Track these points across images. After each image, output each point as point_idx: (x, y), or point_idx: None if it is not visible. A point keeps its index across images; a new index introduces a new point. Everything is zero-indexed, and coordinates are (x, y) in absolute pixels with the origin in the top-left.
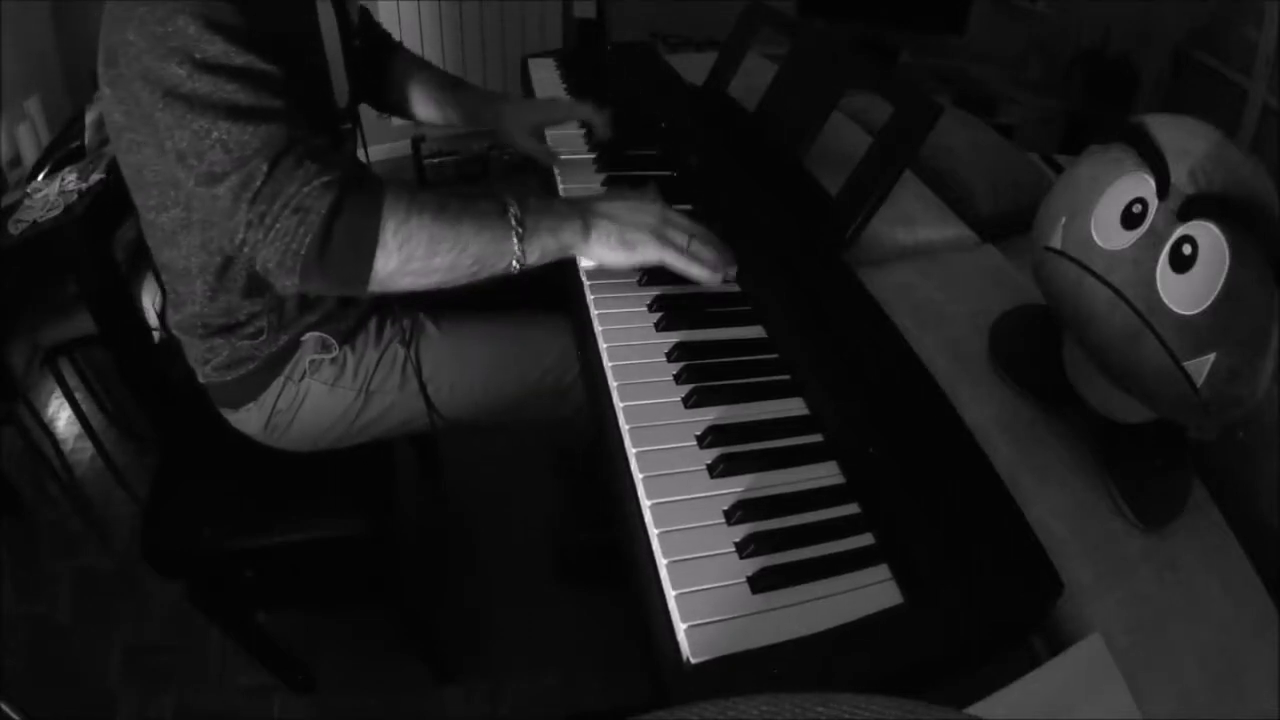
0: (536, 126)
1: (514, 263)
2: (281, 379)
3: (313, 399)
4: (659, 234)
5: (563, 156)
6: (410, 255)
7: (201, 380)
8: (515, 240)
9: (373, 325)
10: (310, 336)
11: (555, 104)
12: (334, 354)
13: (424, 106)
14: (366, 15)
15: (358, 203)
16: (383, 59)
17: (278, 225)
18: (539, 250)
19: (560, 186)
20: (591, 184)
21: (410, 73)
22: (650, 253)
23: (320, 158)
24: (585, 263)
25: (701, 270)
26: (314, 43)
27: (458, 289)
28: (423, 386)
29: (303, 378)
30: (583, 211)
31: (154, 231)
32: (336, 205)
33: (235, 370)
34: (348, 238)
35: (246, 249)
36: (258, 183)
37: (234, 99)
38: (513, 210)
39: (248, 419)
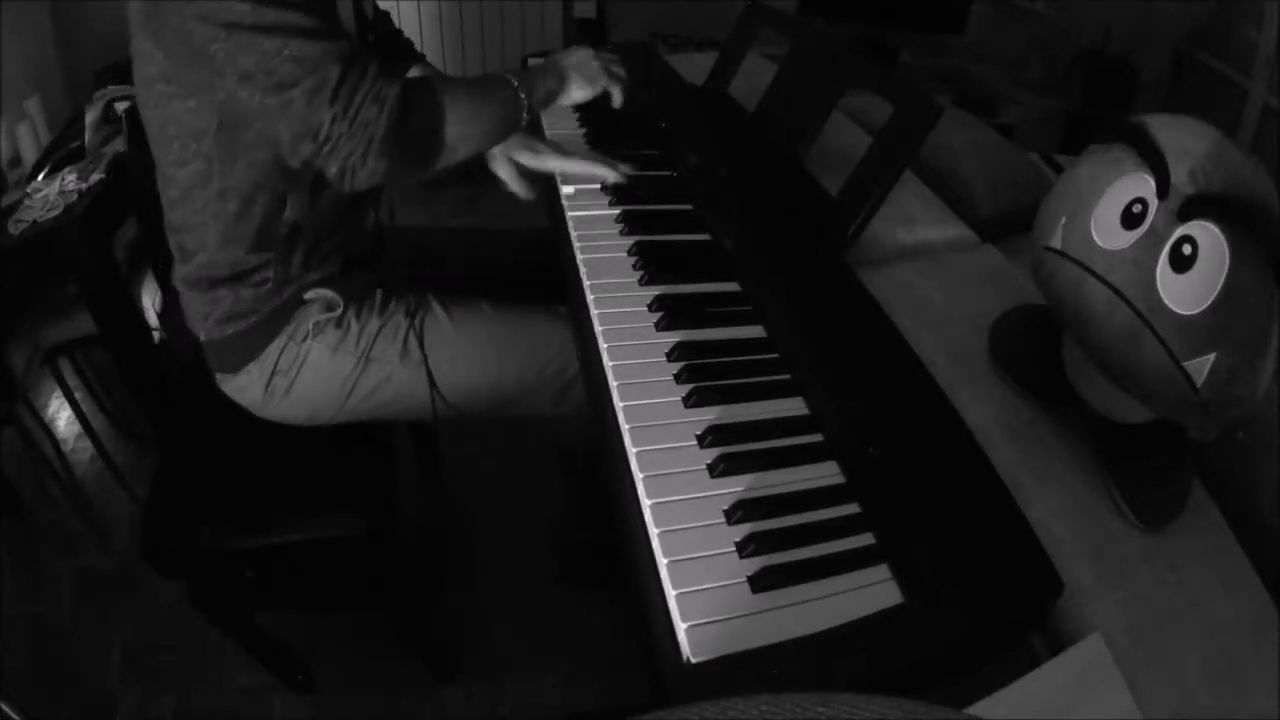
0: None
1: (524, 113)
2: (284, 338)
3: (313, 362)
4: (602, 64)
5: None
6: (467, 121)
7: (203, 338)
8: (524, 99)
9: (378, 296)
10: (315, 295)
11: (561, 154)
12: (338, 312)
13: None
14: (388, 21)
15: (418, 86)
16: (403, 68)
17: (360, 115)
18: (541, 102)
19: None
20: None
21: None
22: (600, 80)
23: (377, 63)
24: (583, 256)
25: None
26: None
27: (461, 279)
28: (424, 357)
29: (305, 339)
30: (553, 69)
31: (170, 188)
32: (404, 93)
33: (236, 323)
34: (420, 117)
35: (327, 147)
36: (334, 83)
37: (300, 22)
38: (512, 80)
39: (248, 383)
